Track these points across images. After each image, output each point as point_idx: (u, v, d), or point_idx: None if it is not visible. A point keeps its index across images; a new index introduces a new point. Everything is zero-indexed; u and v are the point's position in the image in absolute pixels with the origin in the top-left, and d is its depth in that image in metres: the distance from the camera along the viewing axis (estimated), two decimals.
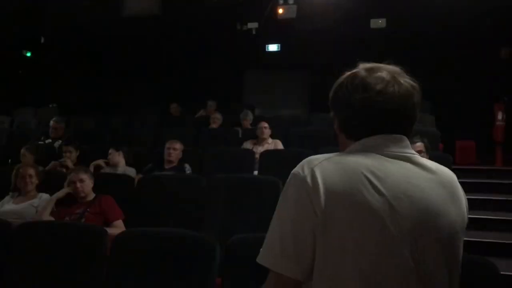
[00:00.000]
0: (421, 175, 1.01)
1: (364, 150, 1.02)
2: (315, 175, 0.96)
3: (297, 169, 1.01)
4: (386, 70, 1.06)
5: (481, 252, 3.44)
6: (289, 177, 1.02)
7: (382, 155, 1.01)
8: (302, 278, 0.96)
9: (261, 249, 1.00)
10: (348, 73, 1.10)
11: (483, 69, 7.19)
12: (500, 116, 6.56)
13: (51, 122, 5.61)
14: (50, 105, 9.22)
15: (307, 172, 0.98)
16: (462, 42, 7.29)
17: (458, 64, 7.30)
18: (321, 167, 0.98)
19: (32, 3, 9.45)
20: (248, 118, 6.36)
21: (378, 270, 0.92)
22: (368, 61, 1.11)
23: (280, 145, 5.23)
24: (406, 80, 1.06)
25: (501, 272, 1.83)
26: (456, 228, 1.01)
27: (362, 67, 1.09)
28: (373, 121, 1.04)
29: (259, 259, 0.99)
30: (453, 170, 1.10)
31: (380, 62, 1.11)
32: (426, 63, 7.27)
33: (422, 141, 3.27)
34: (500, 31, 7.13)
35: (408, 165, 1.01)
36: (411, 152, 1.04)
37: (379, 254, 0.93)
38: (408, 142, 1.05)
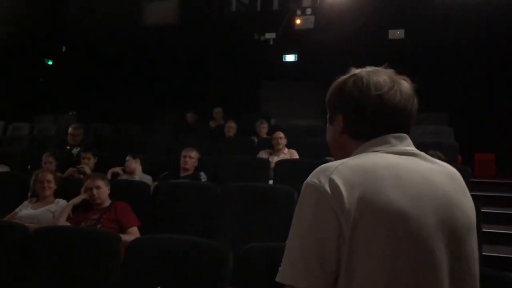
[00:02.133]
0: (433, 169, 0.99)
1: (374, 150, 1.00)
2: (334, 182, 0.91)
3: (311, 179, 0.95)
4: (383, 72, 1.08)
5: (500, 267, 3.36)
6: (303, 188, 0.96)
7: (392, 153, 0.99)
8: None
9: (279, 268, 0.94)
10: (346, 75, 1.11)
11: (502, 81, 7.10)
12: None
13: (70, 129, 5.69)
14: (70, 113, 9.38)
15: (324, 180, 0.92)
16: (481, 53, 7.21)
17: (478, 75, 7.21)
18: (338, 173, 0.93)
19: (54, 13, 9.68)
20: (263, 127, 6.36)
21: (410, 273, 0.88)
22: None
23: (295, 155, 5.21)
24: (404, 79, 1.08)
25: None
26: (472, 221, 0.99)
27: (360, 70, 1.10)
28: (385, 118, 1.03)
29: (280, 278, 0.92)
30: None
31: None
32: (445, 74, 7.21)
33: (436, 153, 3.23)
34: None
35: (418, 160, 1.00)
36: (416, 150, 1.03)
37: (410, 255, 0.88)
38: (409, 140, 1.05)
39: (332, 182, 0.91)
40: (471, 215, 0.99)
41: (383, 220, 0.89)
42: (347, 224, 0.88)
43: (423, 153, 1.03)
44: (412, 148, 1.03)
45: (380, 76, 1.06)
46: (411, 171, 0.96)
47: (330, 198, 0.90)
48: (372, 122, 1.03)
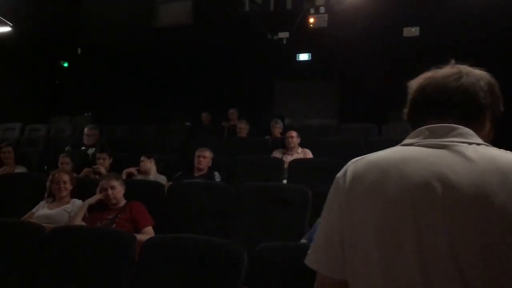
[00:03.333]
0: (459, 164, 0.89)
1: (404, 144, 1.00)
2: (347, 173, 0.99)
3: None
4: (447, 66, 1.07)
5: None
6: None
7: (419, 145, 0.96)
8: (339, 276, 0.97)
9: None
10: None
11: None
12: None
13: (85, 130, 5.75)
14: (85, 114, 9.48)
15: (342, 172, 1.01)
16: (497, 50, 7.09)
17: (494, 72, 7.07)
18: (354, 165, 1.00)
19: (69, 16, 9.80)
20: (278, 126, 6.35)
21: (395, 267, 0.88)
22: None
23: (309, 155, 5.19)
24: (469, 68, 1.05)
25: None
26: (504, 221, 0.83)
27: None
28: (425, 101, 1.03)
29: (306, 260, 1.03)
30: None
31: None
32: None
33: None
34: None
35: (444, 152, 0.92)
36: (456, 140, 0.94)
37: (396, 247, 0.88)
38: (462, 130, 0.95)
39: (345, 173, 0.99)
40: (509, 214, 0.83)
41: (377, 211, 0.91)
42: (346, 212, 0.96)
43: (456, 145, 0.92)
44: (449, 140, 0.94)
45: (437, 68, 1.07)
46: (425, 164, 0.90)
47: (340, 187, 0.99)
48: (415, 108, 1.05)
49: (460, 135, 0.95)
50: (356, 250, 0.93)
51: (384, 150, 1.00)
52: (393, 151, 0.98)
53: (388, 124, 6.78)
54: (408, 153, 0.95)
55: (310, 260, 1.02)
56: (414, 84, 1.07)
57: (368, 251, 0.91)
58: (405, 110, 1.09)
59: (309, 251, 1.03)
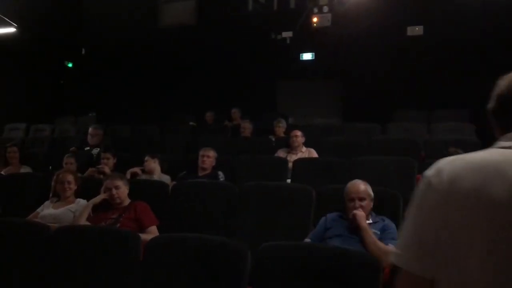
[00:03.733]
0: None
1: (499, 146, 1.00)
2: (442, 174, 0.96)
3: (427, 170, 1.02)
4: None
5: None
6: None
7: None
8: (429, 276, 0.96)
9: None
10: None
11: None
12: None
13: (90, 129, 5.77)
14: (90, 114, 9.51)
15: (434, 172, 0.98)
16: (501, 49, 7.06)
17: (498, 70, 7.05)
18: (448, 165, 0.98)
19: (73, 16, 9.83)
20: (281, 126, 6.33)
21: (504, 272, 0.88)
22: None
23: (314, 154, 5.18)
24: None
25: None
26: None
27: None
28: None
29: (392, 258, 1.02)
30: None
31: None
32: (465, 71, 7.08)
33: (457, 151, 3.19)
34: None
35: None
36: None
37: (507, 251, 0.88)
38: None
39: (439, 173, 0.97)
40: None
41: (481, 213, 0.90)
42: (444, 214, 0.93)
43: None
44: None
45: None
46: None
47: (433, 187, 0.97)
48: (505, 106, 1.05)
49: None
50: (456, 252, 0.92)
51: (479, 151, 0.99)
52: (490, 153, 0.97)
53: (391, 123, 6.77)
54: (507, 156, 0.94)
55: (399, 260, 0.99)
56: (505, 80, 1.06)
57: (471, 255, 0.90)
58: (490, 106, 1.08)
59: (395, 251, 1.01)
